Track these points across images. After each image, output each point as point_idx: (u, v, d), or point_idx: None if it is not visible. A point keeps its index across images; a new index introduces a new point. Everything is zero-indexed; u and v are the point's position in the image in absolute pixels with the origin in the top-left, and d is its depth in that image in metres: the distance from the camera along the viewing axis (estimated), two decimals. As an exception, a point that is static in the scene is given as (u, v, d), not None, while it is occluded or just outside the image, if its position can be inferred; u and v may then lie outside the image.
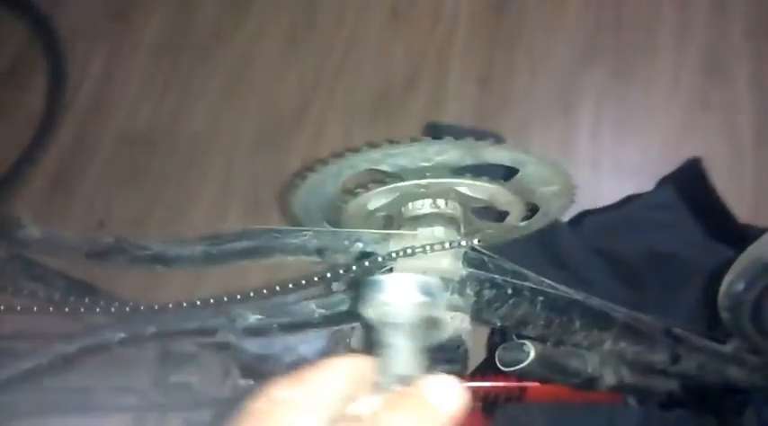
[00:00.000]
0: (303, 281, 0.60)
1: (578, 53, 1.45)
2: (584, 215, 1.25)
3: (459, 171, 0.56)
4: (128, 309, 0.65)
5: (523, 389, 0.97)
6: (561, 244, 1.19)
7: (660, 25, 1.44)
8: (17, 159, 1.43)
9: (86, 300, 0.66)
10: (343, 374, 0.37)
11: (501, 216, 0.64)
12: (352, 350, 0.72)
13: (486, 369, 1.08)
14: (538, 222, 0.65)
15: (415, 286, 0.43)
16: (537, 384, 0.97)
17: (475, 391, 0.99)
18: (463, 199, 0.58)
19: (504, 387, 0.98)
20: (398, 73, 1.46)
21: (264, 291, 0.59)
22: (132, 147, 1.46)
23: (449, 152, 0.54)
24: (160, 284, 1.20)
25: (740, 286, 0.68)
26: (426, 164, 0.55)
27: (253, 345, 1.03)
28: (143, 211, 1.37)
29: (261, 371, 0.97)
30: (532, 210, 0.63)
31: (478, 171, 0.57)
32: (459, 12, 1.51)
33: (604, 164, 1.36)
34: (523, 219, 0.64)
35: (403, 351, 0.40)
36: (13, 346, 0.66)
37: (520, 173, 0.57)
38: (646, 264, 1.20)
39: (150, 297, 0.64)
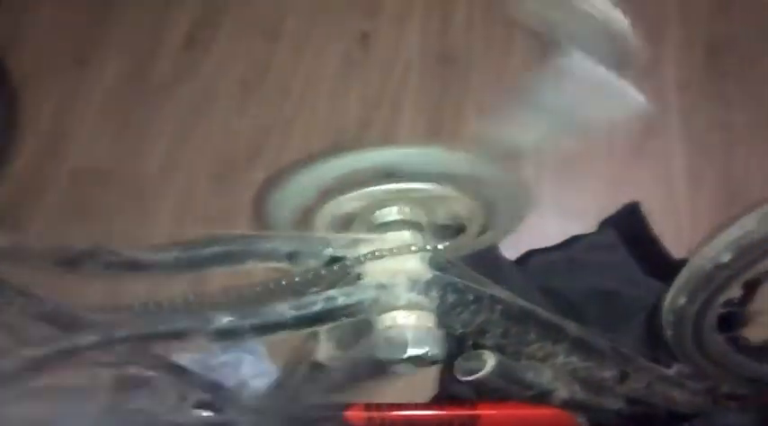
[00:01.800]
0: (272, 286, 0.62)
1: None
2: (530, 254, 1.29)
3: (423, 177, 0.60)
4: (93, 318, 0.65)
5: (476, 417, 0.99)
6: (508, 282, 1.22)
7: (599, 79, 1.52)
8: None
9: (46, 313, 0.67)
10: None
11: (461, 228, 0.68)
12: (319, 366, 0.74)
13: (440, 400, 1.10)
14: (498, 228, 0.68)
15: None
16: (489, 411, 0.99)
17: (428, 420, 1.00)
18: (427, 206, 0.62)
19: (456, 415, 1.00)
20: (352, 117, 1.51)
21: (236, 294, 0.61)
22: (85, 184, 1.46)
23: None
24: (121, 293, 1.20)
25: (682, 300, 0.72)
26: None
27: (208, 373, 1.03)
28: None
29: (215, 403, 0.97)
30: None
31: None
32: (411, 61, 1.57)
33: (547, 207, 1.41)
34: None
35: None
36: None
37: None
38: (588, 302, 1.24)
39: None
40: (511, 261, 1.26)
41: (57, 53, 1.65)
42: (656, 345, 1.04)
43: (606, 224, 1.33)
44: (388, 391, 1.09)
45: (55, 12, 1.70)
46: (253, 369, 1.15)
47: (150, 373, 0.89)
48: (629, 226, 1.31)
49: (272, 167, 1.45)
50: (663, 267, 1.25)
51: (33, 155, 1.51)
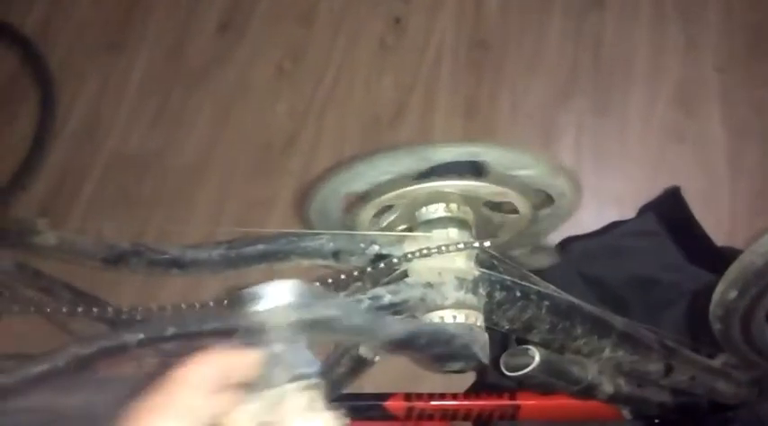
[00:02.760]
0: (318, 284, 0.61)
1: (558, 88, 1.50)
2: (569, 241, 1.28)
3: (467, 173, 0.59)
4: (138, 316, 0.66)
5: (516, 407, 0.99)
6: (548, 269, 1.21)
7: (635, 62, 1.50)
8: (7, 184, 1.44)
9: (95, 309, 0.67)
10: (214, 373, 0.37)
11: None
12: (361, 359, 0.74)
13: (479, 389, 1.10)
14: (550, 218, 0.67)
15: (288, 291, 0.46)
16: (530, 402, 0.99)
17: (468, 410, 1.00)
18: (473, 202, 0.61)
19: (497, 405, 1.00)
20: (386, 102, 1.50)
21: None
22: (123, 174, 1.47)
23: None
24: (156, 291, 1.22)
25: (733, 294, 0.70)
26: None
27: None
28: (134, 237, 1.37)
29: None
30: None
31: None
32: (444, 47, 1.56)
33: (586, 193, 1.39)
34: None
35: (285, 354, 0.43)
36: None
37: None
38: (629, 289, 1.23)
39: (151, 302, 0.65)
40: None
41: (92, 38, 1.66)
42: (698, 333, 1.03)
43: (646, 209, 1.31)
44: (428, 380, 1.10)
45: (89, -2, 1.71)
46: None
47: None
48: (669, 211, 1.29)
49: (307, 153, 1.47)
50: (704, 253, 1.23)
51: (71, 141, 1.53)
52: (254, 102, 1.55)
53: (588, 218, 1.32)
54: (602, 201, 1.37)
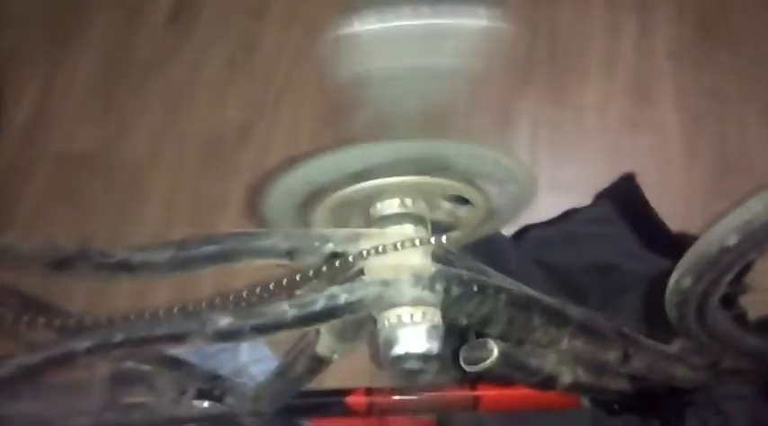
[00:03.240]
0: (271, 285, 0.60)
1: (513, 76, 1.50)
2: (527, 229, 1.28)
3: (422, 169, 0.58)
4: (87, 323, 0.64)
5: (477, 398, 0.98)
6: (506, 257, 1.22)
7: (590, 50, 1.51)
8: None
9: (42, 319, 0.65)
10: None
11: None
12: (319, 358, 0.73)
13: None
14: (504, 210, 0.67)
15: None
16: (490, 392, 0.99)
17: (429, 401, 1.00)
18: (428, 198, 0.60)
19: (458, 396, 0.99)
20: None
21: (234, 295, 0.60)
22: (72, 169, 1.43)
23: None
24: (107, 297, 1.19)
25: (687, 281, 0.71)
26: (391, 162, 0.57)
27: (205, 361, 1.02)
28: (84, 234, 1.34)
29: (214, 393, 0.96)
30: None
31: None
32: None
33: (542, 181, 1.40)
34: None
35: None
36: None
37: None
38: (586, 275, 1.24)
39: (98, 309, 0.64)
40: (508, 238, 1.25)
41: (36, 34, 1.61)
42: (654, 319, 1.04)
43: (602, 196, 1.32)
44: (388, 375, 1.09)
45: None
46: (250, 355, 1.14)
47: (147, 367, 0.89)
48: (624, 198, 1.31)
49: (260, 148, 1.45)
50: (660, 239, 1.25)
51: (17, 138, 1.48)
52: (205, 96, 1.52)
53: (545, 207, 1.32)
54: (559, 189, 1.37)
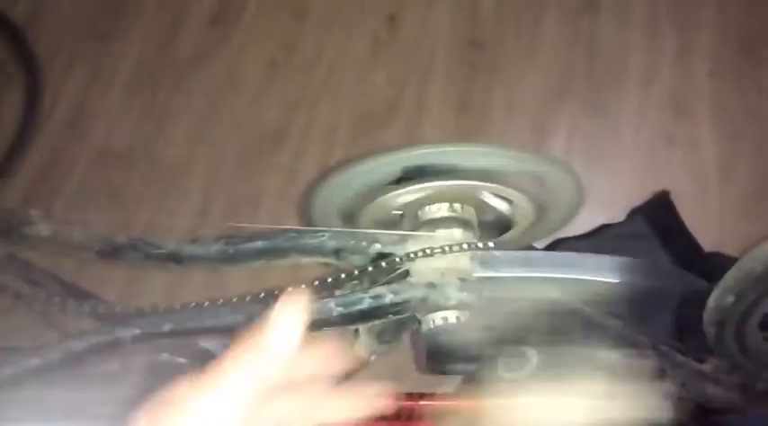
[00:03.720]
0: (316, 283, 0.61)
1: (551, 88, 1.50)
2: (559, 242, 1.28)
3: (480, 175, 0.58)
4: (130, 311, 0.65)
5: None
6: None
7: (629, 65, 1.50)
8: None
9: (86, 304, 0.66)
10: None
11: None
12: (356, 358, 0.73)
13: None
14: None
15: None
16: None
17: (458, 407, 1.00)
18: (477, 202, 0.60)
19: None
20: (379, 97, 1.50)
21: (277, 292, 0.60)
22: (110, 166, 1.45)
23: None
24: (141, 287, 1.21)
25: (730, 299, 0.70)
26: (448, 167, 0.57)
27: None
28: (120, 230, 1.36)
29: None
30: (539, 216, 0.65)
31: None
32: (438, 44, 1.55)
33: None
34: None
35: None
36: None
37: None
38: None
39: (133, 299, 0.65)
40: (542, 252, 1.25)
41: (81, 30, 1.63)
42: (685, 336, 1.03)
43: (635, 213, 1.32)
44: (418, 380, 1.09)
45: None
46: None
47: (182, 360, 0.89)
48: (658, 215, 1.30)
49: (295, 149, 1.46)
50: (692, 258, 1.24)
51: (57, 134, 1.51)
52: (245, 95, 1.54)
53: (578, 220, 1.31)
54: (592, 203, 1.37)
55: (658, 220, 1.29)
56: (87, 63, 1.59)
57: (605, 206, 1.36)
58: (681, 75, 1.47)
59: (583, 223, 1.31)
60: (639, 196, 1.32)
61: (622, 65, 1.50)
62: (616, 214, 1.32)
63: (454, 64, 1.53)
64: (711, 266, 1.14)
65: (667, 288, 1.21)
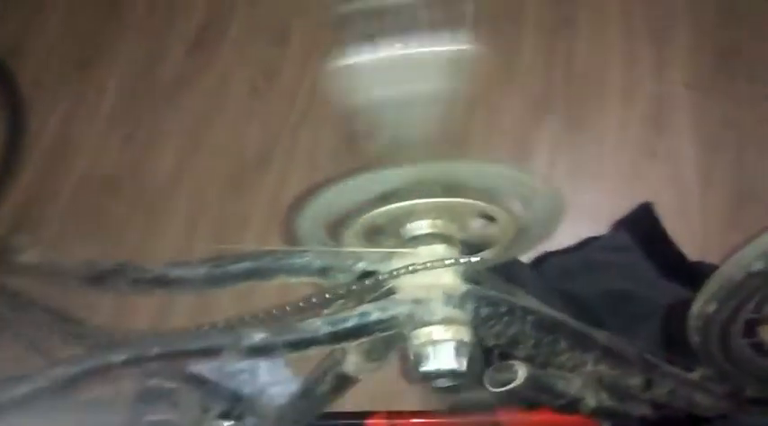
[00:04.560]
0: (301, 304, 0.61)
1: (531, 105, 1.52)
2: (545, 257, 1.29)
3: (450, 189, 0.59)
4: (118, 337, 0.65)
5: (497, 423, 0.99)
6: (526, 285, 1.22)
7: (607, 79, 1.53)
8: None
9: (74, 331, 0.66)
10: None
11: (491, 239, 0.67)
12: (345, 377, 0.74)
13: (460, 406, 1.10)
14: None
15: None
16: (510, 418, 0.99)
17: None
18: (458, 218, 0.61)
19: (478, 422, 1.00)
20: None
21: (268, 311, 0.61)
22: (95, 191, 1.46)
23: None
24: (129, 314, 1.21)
25: (712, 306, 0.71)
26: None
27: (225, 381, 1.03)
28: (107, 256, 1.36)
29: (236, 413, 0.97)
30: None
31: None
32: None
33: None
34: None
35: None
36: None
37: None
38: (604, 304, 1.24)
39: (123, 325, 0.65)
40: (528, 265, 1.26)
41: (63, 59, 1.65)
42: (673, 346, 1.04)
43: (619, 225, 1.33)
44: (408, 399, 1.09)
45: (61, 17, 1.70)
46: (270, 377, 1.15)
47: (171, 384, 0.89)
48: (642, 226, 1.31)
49: (280, 172, 1.47)
50: (677, 268, 1.25)
51: (42, 162, 1.51)
52: (227, 120, 1.55)
53: (563, 234, 1.32)
54: (576, 217, 1.38)
55: (643, 232, 1.31)
56: (70, 91, 1.60)
57: (590, 219, 1.37)
58: (659, 87, 1.50)
59: (568, 236, 1.33)
60: (623, 208, 1.33)
61: (601, 78, 1.52)
62: (601, 227, 1.33)
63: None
64: (696, 275, 1.16)
65: (653, 299, 1.22)
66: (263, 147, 1.51)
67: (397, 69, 0.58)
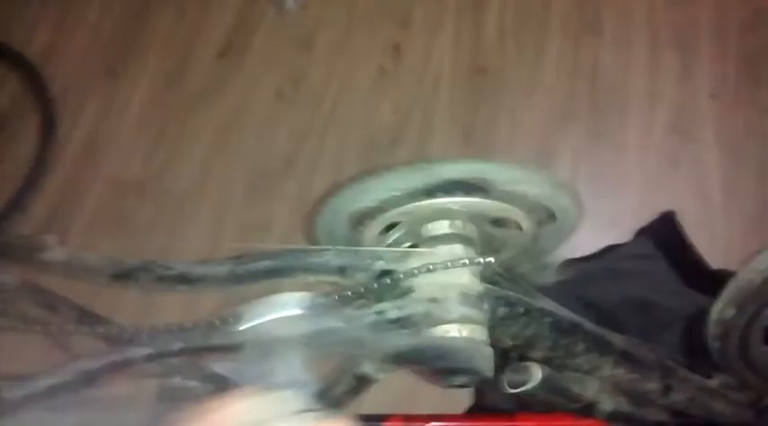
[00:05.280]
0: (323, 299, 0.62)
1: (555, 113, 1.52)
2: (566, 264, 1.29)
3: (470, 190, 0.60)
4: (143, 334, 0.66)
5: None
6: (548, 291, 1.22)
7: (631, 88, 1.53)
8: (5, 207, 1.44)
9: (100, 328, 0.68)
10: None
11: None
12: (363, 377, 0.74)
13: (477, 411, 1.10)
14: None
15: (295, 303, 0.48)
16: (528, 422, 0.99)
17: (467, 430, 1.00)
18: (478, 219, 0.62)
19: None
20: (385, 127, 1.52)
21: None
22: (122, 195, 1.49)
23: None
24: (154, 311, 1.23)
25: (731, 312, 0.71)
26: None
27: (244, 382, 1.04)
28: (133, 256, 1.38)
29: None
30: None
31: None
32: (442, 72, 1.58)
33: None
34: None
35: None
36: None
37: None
38: (625, 311, 1.24)
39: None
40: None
41: (93, 64, 1.68)
42: (693, 355, 1.04)
43: (642, 233, 1.33)
44: (426, 402, 1.10)
45: (91, 23, 1.73)
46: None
47: (193, 383, 0.90)
48: (664, 235, 1.31)
49: (305, 177, 1.48)
50: (699, 277, 1.24)
51: (71, 165, 1.54)
52: (253, 126, 1.57)
53: (584, 242, 1.33)
54: (599, 225, 1.38)
55: (665, 240, 1.30)
56: (100, 98, 1.63)
57: (612, 227, 1.37)
58: (683, 96, 1.49)
59: (590, 244, 1.33)
60: (645, 217, 1.33)
61: (625, 87, 1.52)
62: (623, 235, 1.33)
63: (458, 90, 1.56)
64: (719, 283, 1.15)
65: (674, 307, 1.22)
66: (289, 152, 1.53)
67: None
